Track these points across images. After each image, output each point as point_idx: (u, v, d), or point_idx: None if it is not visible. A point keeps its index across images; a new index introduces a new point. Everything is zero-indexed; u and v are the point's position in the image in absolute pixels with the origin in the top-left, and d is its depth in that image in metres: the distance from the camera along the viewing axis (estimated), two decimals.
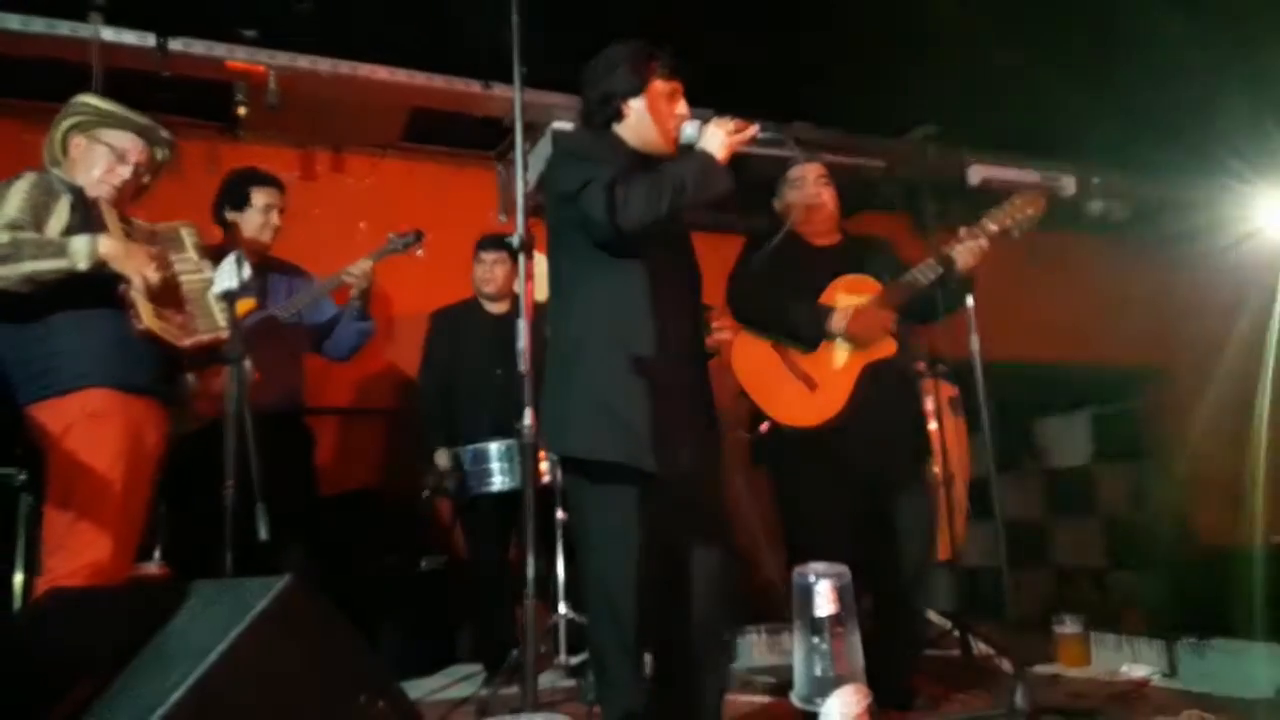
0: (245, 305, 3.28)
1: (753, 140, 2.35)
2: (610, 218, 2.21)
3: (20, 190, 2.54)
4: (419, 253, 3.61)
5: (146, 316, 2.54)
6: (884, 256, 3.24)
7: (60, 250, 2.48)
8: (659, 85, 2.39)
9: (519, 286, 2.31)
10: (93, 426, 2.52)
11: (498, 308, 4.03)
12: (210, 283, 2.69)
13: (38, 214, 2.53)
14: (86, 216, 2.62)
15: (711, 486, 2.45)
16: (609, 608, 2.27)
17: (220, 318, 2.71)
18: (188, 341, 2.67)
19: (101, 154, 2.73)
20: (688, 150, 2.36)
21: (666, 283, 2.35)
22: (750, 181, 2.58)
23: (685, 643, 2.37)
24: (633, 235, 2.24)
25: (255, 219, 3.48)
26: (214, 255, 2.86)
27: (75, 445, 2.51)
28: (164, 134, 2.85)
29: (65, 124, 2.74)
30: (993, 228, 3.00)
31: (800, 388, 3.04)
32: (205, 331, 2.69)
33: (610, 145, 2.39)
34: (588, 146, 2.39)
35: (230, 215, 3.50)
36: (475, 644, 4.03)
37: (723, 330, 3.02)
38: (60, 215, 2.57)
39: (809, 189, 3.23)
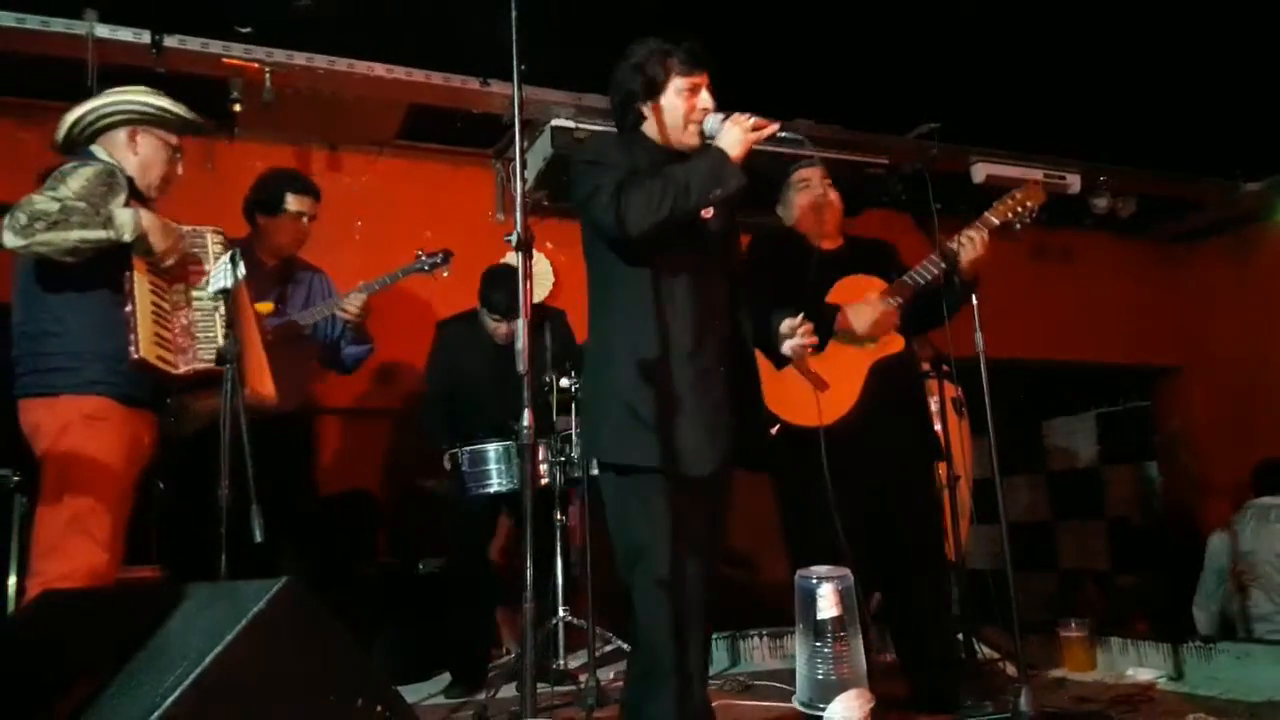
0: (263, 308, 3.30)
1: (772, 138, 2.32)
2: (613, 224, 2.23)
3: (84, 175, 2.56)
4: (445, 274, 3.60)
5: (144, 345, 2.54)
6: (887, 261, 3.23)
7: (107, 221, 2.51)
8: (678, 82, 2.37)
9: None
10: (91, 429, 2.52)
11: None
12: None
13: (95, 201, 2.53)
14: None
15: (726, 491, 2.43)
16: (658, 608, 2.24)
17: (222, 341, 2.68)
18: (184, 369, 2.66)
19: (164, 155, 2.79)
20: (709, 145, 2.35)
21: (695, 284, 2.33)
22: (756, 180, 2.54)
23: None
24: (639, 240, 2.24)
25: (286, 225, 3.47)
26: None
27: (72, 446, 2.51)
28: (205, 126, 2.93)
29: (120, 118, 2.74)
30: (995, 221, 3.04)
31: (809, 388, 3.01)
32: (204, 360, 2.68)
33: (630, 148, 2.38)
34: (602, 151, 2.38)
35: (261, 218, 3.48)
36: (445, 647, 3.77)
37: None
38: (117, 205, 2.58)
39: (816, 189, 3.21)
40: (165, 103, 2.79)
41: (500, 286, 3.68)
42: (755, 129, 2.29)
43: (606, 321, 2.37)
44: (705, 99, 2.39)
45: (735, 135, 2.29)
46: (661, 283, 2.30)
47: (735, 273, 2.51)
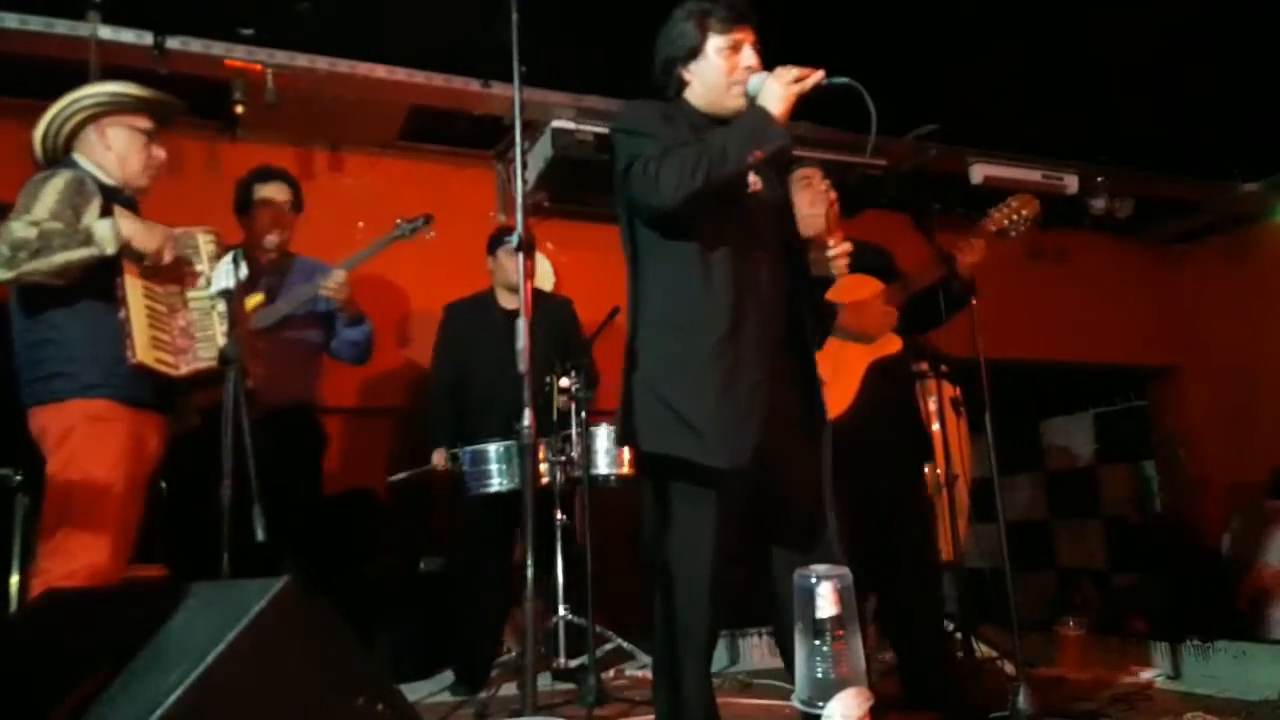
0: (254, 301, 3.30)
1: (818, 88, 2.13)
2: (648, 196, 2.09)
3: (55, 188, 2.52)
4: (430, 235, 3.59)
5: (141, 349, 2.54)
6: (885, 264, 3.24)
7: (87, 238, 2.49)
8: (716, 40, 2.21)
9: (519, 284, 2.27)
10: (95, 430, 2.53)
11: (513, 302, 3.94)
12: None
13: (70, 218, 2.51)
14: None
15: (804, 481, 2.24)
16: (682, 612, 2.13)
17: (221, 340, 2.68)
18: (184, 370, 2.66)
19: (138, 141, 2.73)
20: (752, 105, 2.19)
21: (737, 260, 2.16)
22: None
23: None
24: (675, 213, 2.10)
25: (260, 215, 3.51)
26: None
27: (77, 448, 2.51)
28: (174, 103, 2.84)
29: (78, 116, 2.69)
30: (991, 227, 3.09)
31: None
32: (204, 359, 2.68)
33: (670, 115, 2.21)
34: (640, 119, 2.20)
35: (243, 220, 3.54)
36: (449, 646, 3.78)
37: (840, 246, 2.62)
38: (92, 217, 2.55)
39: (819, 186, 3.23)
40: (119, 87, 2.73)
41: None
42: (798, 80, 2.11)
43: (639, 303, 2.21)
44: (748, 57, 2.21)
45: (775, 91, 2.11)
46: (698, 259, 2.14)
47: (792, 245, 2.34)
